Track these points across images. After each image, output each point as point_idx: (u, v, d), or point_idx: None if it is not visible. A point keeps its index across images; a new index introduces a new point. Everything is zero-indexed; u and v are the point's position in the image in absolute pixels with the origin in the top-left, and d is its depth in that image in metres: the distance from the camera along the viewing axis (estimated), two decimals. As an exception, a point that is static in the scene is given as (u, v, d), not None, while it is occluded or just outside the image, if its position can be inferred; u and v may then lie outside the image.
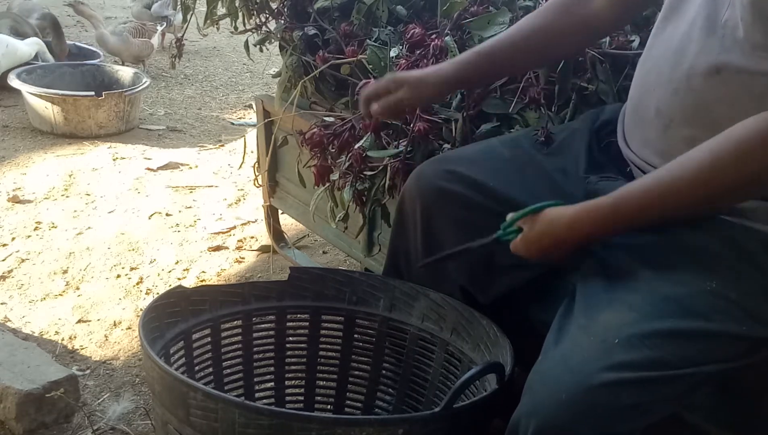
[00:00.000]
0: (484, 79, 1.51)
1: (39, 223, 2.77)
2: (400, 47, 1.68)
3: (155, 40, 4.53)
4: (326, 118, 1.81)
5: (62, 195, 3.01)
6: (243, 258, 2.60)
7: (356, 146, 1.58)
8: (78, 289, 2.39)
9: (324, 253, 2.65)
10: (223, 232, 2.77)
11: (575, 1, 1.36)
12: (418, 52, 1.57)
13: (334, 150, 1.62)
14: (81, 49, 4.45)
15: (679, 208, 1.11)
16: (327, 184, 1.70)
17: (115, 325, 2.22)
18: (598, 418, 1.03)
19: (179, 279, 2.46)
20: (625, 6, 1.37)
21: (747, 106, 1.08)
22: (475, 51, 1.41)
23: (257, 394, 1.62)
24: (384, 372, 1.61)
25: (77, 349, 2.11)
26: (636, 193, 1.13)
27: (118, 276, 2.47)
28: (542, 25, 1.39)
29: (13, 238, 2.66)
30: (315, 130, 1.62)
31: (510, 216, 1.24)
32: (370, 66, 1.74)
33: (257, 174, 2.31)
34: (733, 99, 1.11)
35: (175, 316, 1.45)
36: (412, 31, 1.58)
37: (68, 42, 4.40)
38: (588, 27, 1.39)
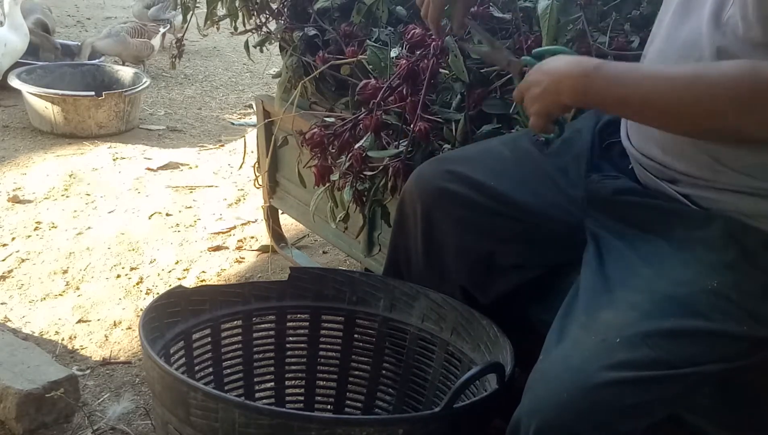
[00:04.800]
0: None
1: (39, 223, 2.77)
2: (401, 48, 1.68)
3: (156, 41, 4.52)
4: (326, 119, 1.81)
5: (62, 195, 3.01)
6: (243, 258, 2.60)
7: (356, 146, 1.58)
8: (78, 289, 2.39)
9: (324, 253, 2.66)
10: (223, 232, 2.77)
11: None
12: (418, 52, 1.57)
13: (334, 150, 1.62)
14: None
15: (648, 98, 1.12)
16: (327, 185, 1.70)
17: (115, 325, 2.23)
18: (599, 418, 1.03)
19: (179, 279, 2.46)
20: None
21: None
22: None
23: (257, 394, 1.62)
24: (384, 372, 1.61)
25: (77, 349, 2.11)
26: (621, 66, 1.19)
27: (118, 276, 2.47)
28: None
29: (13, 238, 2.66)
30: (315, 130, 1.62)
31: (545, 48, 1.31)
32: (370, 66, 1.74)
33: (257, 174, 2.31)
34: None
35: (175, 316, 1.45)
36: (412, 31, 1.58)
37: (69, 42, 4.40)
38: None
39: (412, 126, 1.56)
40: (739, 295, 1.10)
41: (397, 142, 1.62)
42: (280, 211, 2.40)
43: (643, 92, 1.12)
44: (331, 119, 1.81)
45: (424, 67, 1.53)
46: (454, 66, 1.50)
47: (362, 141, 1.58)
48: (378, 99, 1.56)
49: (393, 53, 1.68)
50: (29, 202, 2.94)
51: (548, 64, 1.22)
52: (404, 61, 1.55)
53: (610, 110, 1.28)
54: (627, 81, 1.13)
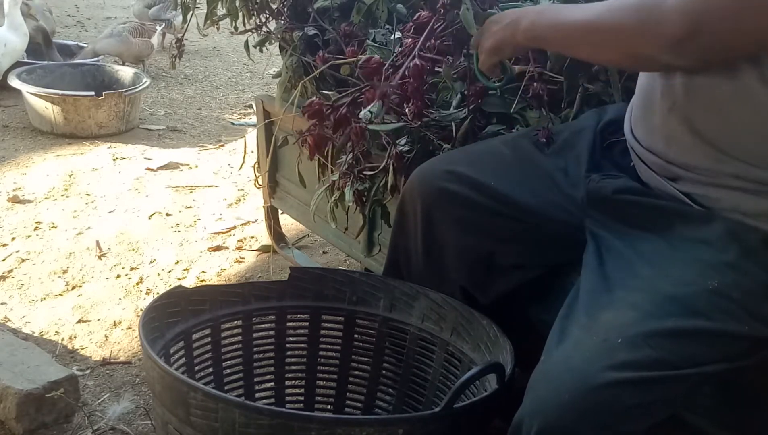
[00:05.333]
0: None
1: (39, 223, 2.77)
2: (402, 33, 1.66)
3: (155, 40, 4.52)
4: (325, 93, 1.79)
5: (62, 195, 3.01)
6: (243, 258, 2.60)
7: (361, 114, 1.55)
8: (78, 288, 2.39)
9: (324, 253, 2.66)
10: (223, 232, 2.77)
11: None
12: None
13: (331, 123, 1.59)
14: (82, 48, 4.45)
15: (577, 28, 1.21)
16: (325, 184, 1.69)
17: (115, 325, 2.22)
18: (601, 418, 1.03)
19: (179, 279, 2.46)
20: None
21: (747, 84, 1.08)
22: None
23: (257, 394, 1.62)
24: (384, 372, 1.61)
25: (77, 349, 2.11)
26: (563, 5, 1.33)
27: (118, 276, 2.47)
28: None
29: (13, 238, 2.66)
30: (314, 99, 1.60)
31: (512, 3, 1.43)
32: (371, 66, 1.74)
33: (257, 174, 2.31)
34: (732, 78, 1.11)
35: (175, 316, 1.45)
36: (418, 13, 1.57)
37: (69, 42, 4.40)
38: None
39: (407, 63, 1.54)
40: (740, 294, 1.10)
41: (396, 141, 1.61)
42: (280, 211, 2.40)
43: (574, 22, 1.21)
44: (329, 93, 1.79)
45: (431, 47, 1.52)
46: (464, 19, 1.48)
47: (369, 107, 1.54)
48: (382, 74, 1.54)
49: (398, 34, 1.66)
50: (29, 202, 2.94)
51: (509, 10, 1.34)
52: (410, 41, 1.53)
53: (554, 45, 1.37)
54: (562, 15, 1.24)
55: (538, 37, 1.30)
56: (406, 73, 1.49)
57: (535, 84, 1.52)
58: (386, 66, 1.53)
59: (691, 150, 1.16)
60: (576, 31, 1.22)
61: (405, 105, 1.57)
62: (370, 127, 1.55)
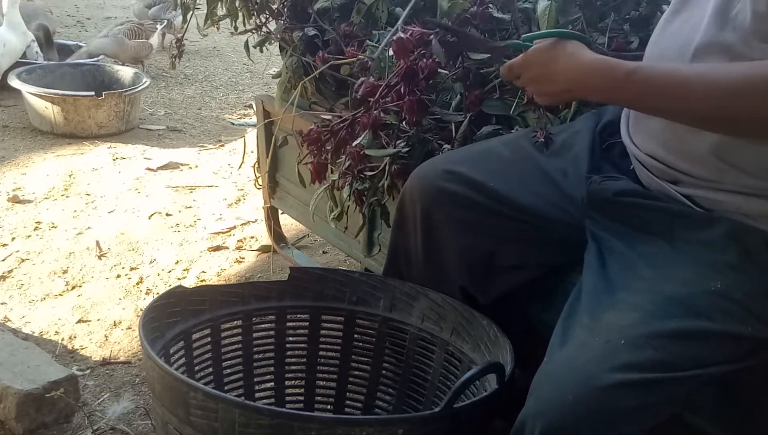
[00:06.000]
0: None
1: (39, 223, 2.77)
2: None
3: (154, 40, 4.51)
4: (324, 116, 1.81)
5: (62, 195, 3.01)
6: (243, 258, 2.60)
7: (354, 144, 1.57)
8: (78, 288, 2.39)
9: (324, 253, 2.66)
10: (223, 232, 2.77)
11: None
12: (417, 51, 1.57)
13: (331, 147, 1.61)
14: (81, 48, 4.45)
15: (685, 103, 1.10)
16: (325, 184, 1.70)
17: (115, 325, 2.23)
18: (604, 420, 1.03)
19: (179, 279, 2.46)
20: None
21: None
22: None
23: (257, 394, 1.62)
24: (384, 372, 1.61)
25: (77, 349, 2.11)
26: (657, 73, 1.12)
27: (118, 276, 2.47)
28: None
29: (13, 238, 2.66)
30: (312, 127, 1.62)
31: (536, 33, 1.26)
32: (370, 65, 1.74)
33: (257, 174, 2.31)
34: None
35: (175, 316, 1.45)
36: (411, 30, 1.58)
37: (69, 42, 4.40)
38: None
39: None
40: (741, 295, 1.10)
41: (395, 143, 1.62)
42: (280, 211, 2.40)
43: (682, 102, 1.11)
44: (328, 116, 1.80)
45: (423, 66, 1.53)
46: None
47: (360, 139, 1.57)
48: (376, 97, 1.56)
49: (390, 53, 1.68)
50: (29, 202, 2.94)
51: (568, 62, 1.18)
52: (402, 60, 1.54)
53: (646, 113, 1.23)
54: (664, 90, 1.11)
55: (622, 105, 1.25)
56: (402, 91, 1.51)
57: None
58: (381, 87, 1.55)
59: (693, 158, 1.16)
60: (691, 114, 1.11)
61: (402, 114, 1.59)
62: (367, 151, 1.57)
